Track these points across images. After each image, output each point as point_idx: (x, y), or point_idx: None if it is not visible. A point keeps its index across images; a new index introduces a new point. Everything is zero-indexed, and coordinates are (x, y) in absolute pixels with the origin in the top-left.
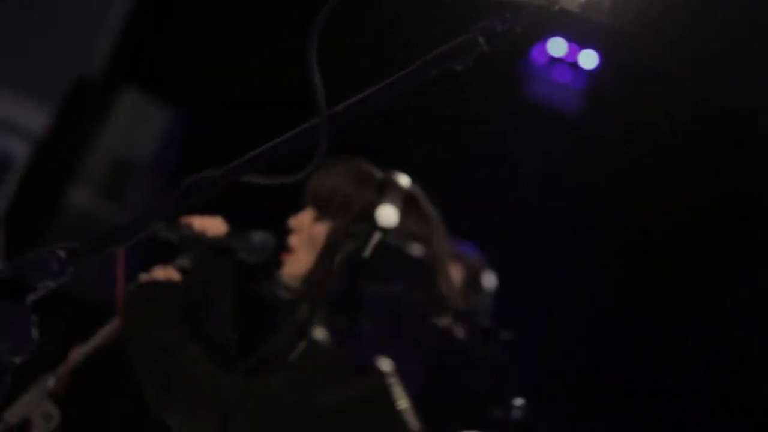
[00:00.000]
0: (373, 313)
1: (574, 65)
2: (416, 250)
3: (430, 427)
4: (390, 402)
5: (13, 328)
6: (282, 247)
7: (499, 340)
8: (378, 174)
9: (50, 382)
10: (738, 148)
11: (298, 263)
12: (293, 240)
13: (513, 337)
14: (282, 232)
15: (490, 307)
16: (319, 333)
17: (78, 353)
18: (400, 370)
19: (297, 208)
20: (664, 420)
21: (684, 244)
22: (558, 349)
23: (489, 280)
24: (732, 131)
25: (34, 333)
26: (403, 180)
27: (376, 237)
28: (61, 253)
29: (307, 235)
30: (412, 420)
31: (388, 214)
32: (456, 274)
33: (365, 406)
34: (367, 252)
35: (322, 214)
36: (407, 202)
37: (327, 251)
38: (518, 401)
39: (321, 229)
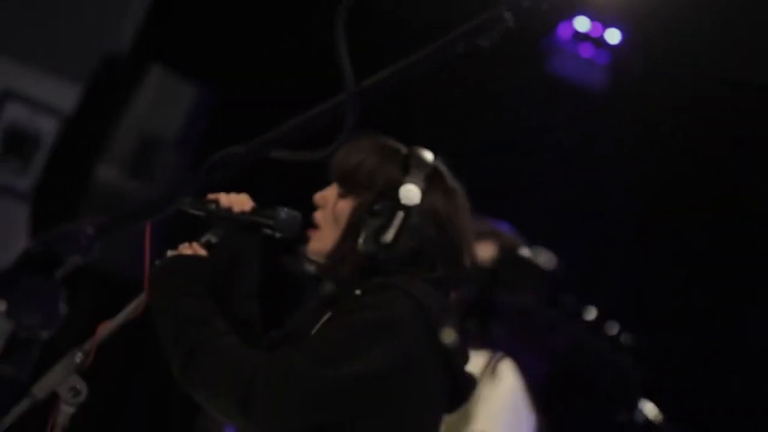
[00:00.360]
0: (505, 321)
1: (599, 41)
2: (544, 261)
3: (557, 428)
4: (410, 379)
5: (42, 303)
6: (308, 224)
7: (624, 345)
8: (403, 150)
9: (77, 356)
10: (763, 125)
11: (322, 239)
12: (318, 216)
13: (634, 341)
14: (308, 209)
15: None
16: (448, 336)
17: (105, 328)
18: (525, 370)
19: (323, 184)
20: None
21: (708, 222)
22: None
23: (526, 252)
24: (756, 108)
25: (63, 307)
26: (428, 156)
27: (399, 215)
28: (89, 229)
29: (331, 211)
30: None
31: (411, 192)
32: (488, 250)
33: (386, 379)
34: (391, 232)
35: (346, 190)
36: (432, 179)
37: (350, 228)
38: (644, 403)
39: (345, 206)
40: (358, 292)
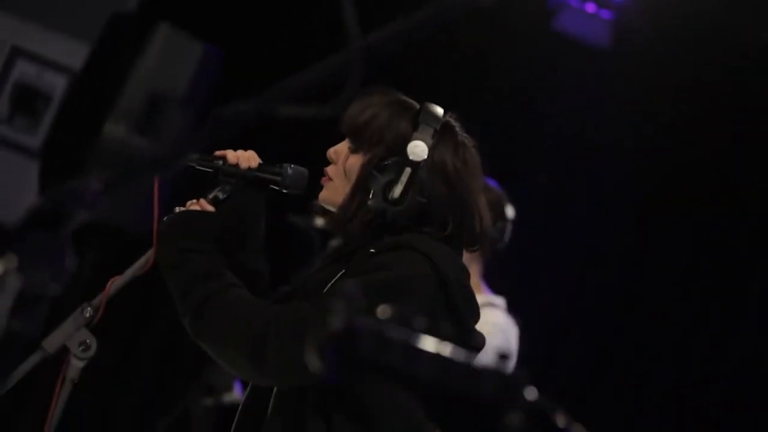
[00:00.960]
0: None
1: None
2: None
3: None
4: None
5: (51, 259)
6: (314, 181)
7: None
8: (414, 106)
9: (87, 311)
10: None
11: (335, 190)
12: (330, 170)
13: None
14: (313, 165)
15: (509, 236)
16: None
17: (115, 283)
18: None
19: (328, 140)
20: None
21: (718, 179)
22: (586, 308)
23: (510, 211)
24: (762, 66)
25: (71, 263)
26: (439, 111)
27: (407, 171)
28: (97, 185)
29: (342, 166)
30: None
31: (418, 148)
32: None
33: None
34: (398, 188)
35: (357, 145)
36: (441, 134)
37: (360, 184)
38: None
39: (355, 161)
40: (372, 250)
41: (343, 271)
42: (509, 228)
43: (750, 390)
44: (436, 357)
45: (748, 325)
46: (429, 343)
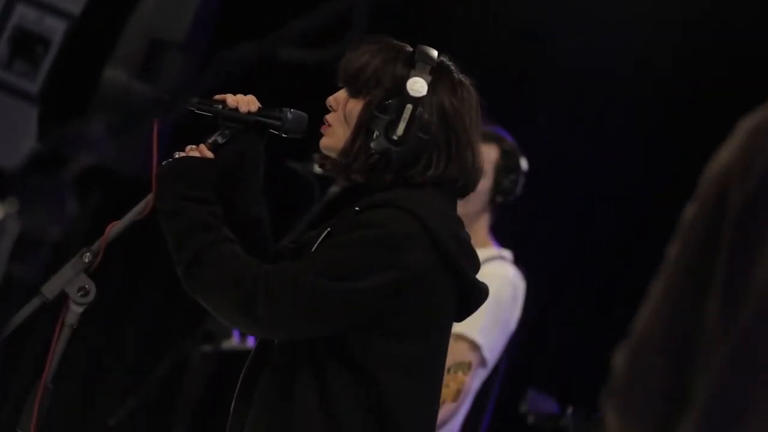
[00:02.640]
0: None
1: None
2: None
3: None
4: (414, 294)
5: (51, 204)
6: (314, 126)
7: None
8: (407, 48)
9: (86, 256)
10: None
11: (335, 136)
12: (330, 117)
13: None
14: (313, 110)
15: (521, 189)
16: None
17: (114, 228)
18: None
19: (332, 86)
20: None
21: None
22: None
23: (524, 163)
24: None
25: (71, 207)
26: (433, 51)
27: (408, 109)
28: (97, 129)
29: (342, 112)
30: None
31: (417, 84)
32: (492, 152)
33: (391, 294)
34: (401, 126)
35: (355, 91)
36: (438, 73)
37: (361, 126)
38: None
39: (355, 106)
40: (357, 208)
41: (329, 229)
42: (521, 181)
43: None
44: None
45: None
46: None
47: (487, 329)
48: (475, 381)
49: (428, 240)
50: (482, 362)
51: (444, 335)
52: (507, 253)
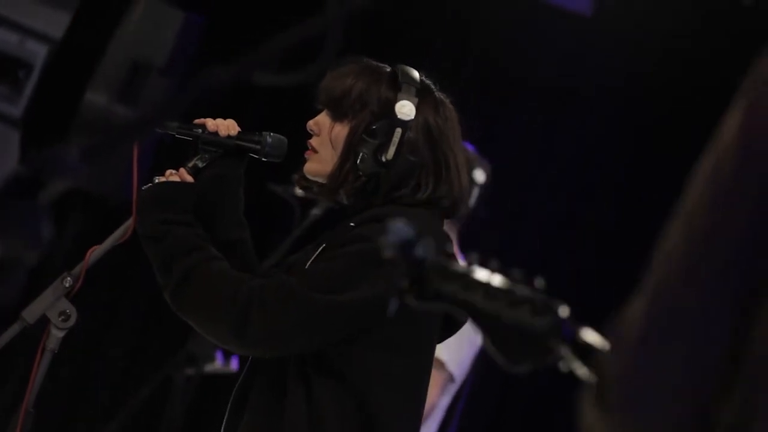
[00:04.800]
0: None
1: None
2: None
3: None
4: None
5: (28, 227)
6: (293, 150)
7: None
8: (387, 69)
9: (67, 281)
10: (750, 46)
11: (321, 161)
12: (314, 142)
13: None
14: (294, 133)
15: (476, 199)
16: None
17: (94, 253)
18: None
19: (309, 107)
20: None
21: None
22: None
23: (479, 175)
24: (741, 30)
25: (47, 231)
26: (415, 73)
27: (398, 132)
28: (75, 152)
29: (327, 136)
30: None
31: (406, 107)
32: None
33: (381, 309)
34: (391, 149)
35: (340, 115)
36: (422, 95)
37: (349, 150)
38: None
39: (341, 130)
40: (352, 223)
41: (324, 245)
42: (477, 193)
43: None
44: (486, 288)
45: None
46: (482, 273)
47: (450, 344)
48: (444, 398)
49: None
50: (450, 378)
51: (430, 350)
52: None
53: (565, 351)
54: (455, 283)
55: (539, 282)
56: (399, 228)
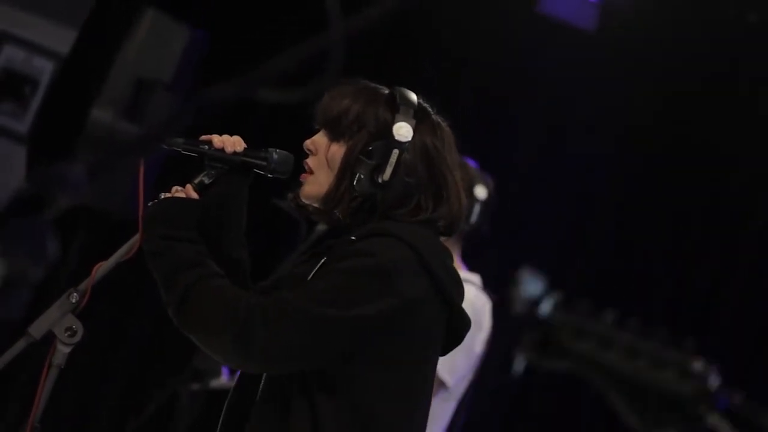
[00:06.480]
0: None
1: None
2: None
3: None
4: (408, 321)
5: (33, 243)
6: (299, 166)
7: None
8: (385, 90)
9: (73, 297)
10: (755, 62)
11: (317, 183)
12: (310, 162)
13: None
14: (293, 150)
15: (478, 216)
16: None
17: (100, 269)
18: None
19: (308, 126)
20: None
21: (704, 158)
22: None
23: (480, 191)
24: (747, 46)
25: (52, 247)
26: (412, 95)
27: (395, 153)
28: (80, 168)
29: (324, 156)
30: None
31: (403, 129)
32: None
33: (387, 321)
34: (388, 170)
35: (337, 135)
36: (419, 116)
37: (345, 171)
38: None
39: (338, 150)
40: (353, 237)
41: (324, 259)
42: (478, 209)
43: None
44: (626, 348)
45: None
46: (621, 332)
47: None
48: (436, 403)
49: (422, 268)
50: (442, 384)
51: (432, 363)
52: (475, 277)
53: (715, 420)
54: (590, 341)
55: (689, 342)
56: (530, 282)
